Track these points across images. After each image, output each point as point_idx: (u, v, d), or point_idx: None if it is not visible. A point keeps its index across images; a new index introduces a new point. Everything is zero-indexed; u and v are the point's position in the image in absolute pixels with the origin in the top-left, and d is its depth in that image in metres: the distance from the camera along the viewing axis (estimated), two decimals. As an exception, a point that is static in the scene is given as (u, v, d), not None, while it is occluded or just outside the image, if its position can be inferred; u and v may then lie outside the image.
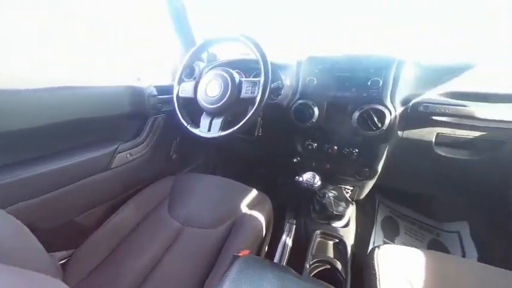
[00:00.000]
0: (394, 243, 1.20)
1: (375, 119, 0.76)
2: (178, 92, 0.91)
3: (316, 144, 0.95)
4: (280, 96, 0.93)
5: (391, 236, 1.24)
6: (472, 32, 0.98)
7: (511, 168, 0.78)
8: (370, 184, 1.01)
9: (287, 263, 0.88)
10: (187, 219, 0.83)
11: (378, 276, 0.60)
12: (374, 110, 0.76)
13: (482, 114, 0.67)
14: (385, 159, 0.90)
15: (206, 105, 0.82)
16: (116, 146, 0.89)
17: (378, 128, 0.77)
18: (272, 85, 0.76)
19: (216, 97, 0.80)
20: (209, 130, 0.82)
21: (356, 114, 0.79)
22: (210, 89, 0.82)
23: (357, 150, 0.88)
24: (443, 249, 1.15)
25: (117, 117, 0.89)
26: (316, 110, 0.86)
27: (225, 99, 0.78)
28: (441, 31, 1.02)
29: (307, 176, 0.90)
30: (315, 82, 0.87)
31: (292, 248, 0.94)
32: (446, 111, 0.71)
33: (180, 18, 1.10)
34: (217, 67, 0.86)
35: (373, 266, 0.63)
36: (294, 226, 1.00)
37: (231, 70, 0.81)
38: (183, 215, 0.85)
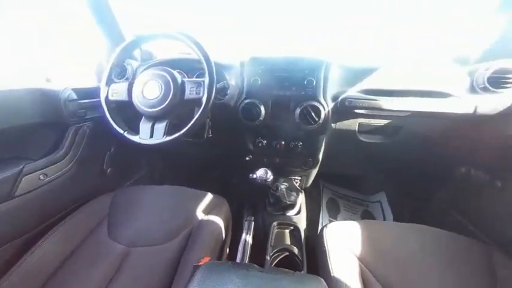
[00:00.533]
0: (337, 219, 1.39)
1: (313, 114, 0.86)
2: (107, 94, 0.79)
3: (265, 141, 0.99)
4: (227, 96, 0.93)
5: (334, 214, 1.43)
6: (378, 40, 1.22)
7: (407, 148, 1.02)
8: (314, 172, 1.13)
9: (249, 260, 0.90)
10: (134, 240, 0.73)
11: (327, 252, 0.68)
12: (311, 107, 0.86)
13: (387, 106, 0.85)
14: (324, 149, 1.02)
15: (145, 108, 0.74)
16: (21, 167, 0.70)
17: (315, 122, 0.87)
18: (218, 85, 0.75)
19: (157, 99, 0.73)
20: (151, 136, 0.74)
21: (297, 110, 0.88)
22: (149, 91, 0.74)
23: (301, 143, 0.97)
24: (371, 216, 1.41)
25: (21, 129, 0.70)
26: (262, 109, 0.90)
27: (168, 101, 0.72)
28: (357, 39, 1.24)
29: (260, 173, 0.93)
30: (259, 82, 0.91)
31: (253, 244, 0.97)
32: (363, 104, 0.86)
33: (102, 9, 0.95)
34: (155, 66, 0.79)
35: (323, 243, 0.72)
36: (253, 223, 1.03)
37: (171, 70, 0.75)
38: (127, 236, 0.74)
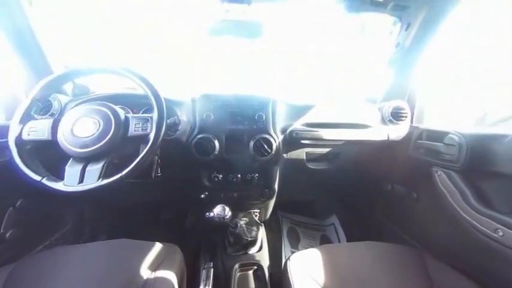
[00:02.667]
0: (298, 249, 1.38)
1: (265, 146, 0.91)
2: (21, 133, 0.64)
3: (221, 176, 0.97)
4: (178, 132, 0.89)
5: (295, 244, 1.42)
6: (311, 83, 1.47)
7: (346, 171, 1.17)
8: (272, 203, 1.14)
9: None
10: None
11: (292, 285, 0.66)
12: (263, 139, 0.92)
13: (326, 136, 0.99)
14: (279, 179, 1.06)
15: (74, 148, 0.63)
16: None
17: (268, 153, 0.92)
18: (168, 121, 0.71)
19: (91, 137, 0.63)
20: (81, 181, 0.62)
21: (251, 143, 0.91)
22: (81, 128, 0.64)
23: (257, 174, 0.99)
24: (328, 240, 1.47)
25: None
26: (216, 143, 0.90)
27: (107, 139, 0.63)
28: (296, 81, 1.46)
29: (217, 210, 0.87)
30: (212, 117, 0.92)
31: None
32: (308, 136, 0.98)
33: (24, 36, 0.83)
34: (92, 102, 0.70)
35: (288, 278, 0.69)
36: (212, 270, 0.91)
37: (112, 105, 0.69)
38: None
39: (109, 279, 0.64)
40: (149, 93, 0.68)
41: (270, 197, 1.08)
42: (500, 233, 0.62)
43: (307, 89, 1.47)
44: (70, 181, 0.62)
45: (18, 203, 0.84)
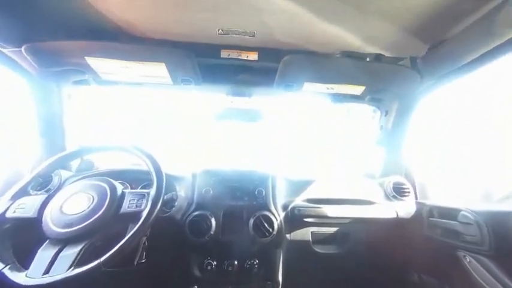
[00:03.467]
0: None
1: (266, 224, 0.84)
2: (6, 210, 0.60)
3: (215, 263, 0.83)
4: (173, 209, 0.84)
5: None
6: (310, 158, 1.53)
7: (360, 257, 1.02)
8: (276, 303, 0.92)
9: None
10: None
11: None
12: (264, 216, 0.85)
13: (330, 213, 0.92)
14: (282, 268, 0.91)
15: (56, 228, 0.57)
16: None
17: (270, 233, 0.83)
18: (165, 196, 0.69)
19: (80, 215, 0.59)
20: (47, 271, 0.52)
21: (251, 221, 0.84)
22: (72, 205, 0.61)
23: (257, 261, 0.85)
24: None
25: None
26: (213, 221, 0.83)
27: (96, 216, 0.59)
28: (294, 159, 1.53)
29: (207, 313, 0.69)
30: (212, 192, 0.90)
31: None
32: (311, 213, 0.92)
33: (55, 122, 0.94)
34: (92, 177, 0.71)
35: None
36: None
37: (111, 180, 0.69)
38: None
39: None
40: (151, 169, 0.69)
41: (273, 294, 0.88)
42: None
43: (305, 164, 1.52)
44: (35, 271, 0.52)
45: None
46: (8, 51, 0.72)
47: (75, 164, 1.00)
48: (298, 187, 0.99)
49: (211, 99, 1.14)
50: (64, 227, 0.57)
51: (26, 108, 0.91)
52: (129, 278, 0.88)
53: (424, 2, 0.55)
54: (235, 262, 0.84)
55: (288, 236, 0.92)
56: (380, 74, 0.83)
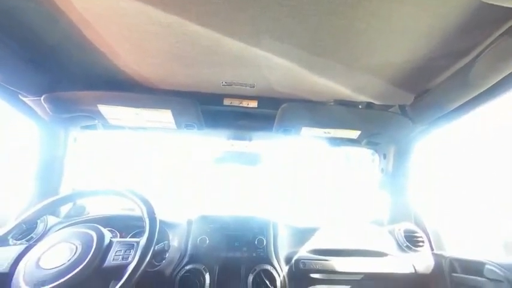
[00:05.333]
0: None
1: (267, 282, 0.74)
2: (-24, 264, 0.54)
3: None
4: (164, 261, 0.75)
5: None
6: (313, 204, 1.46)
7: None
8: None
9: None
10: None
11: None
12: (264, 272, 0.76)
13: (339, 267, 0.82)
14: None
15: (26, 287, 0.50)
16: None
17: (272, 293, 0.72)
18: (156, 247, 0.63)
19: (58, 269, 0.52)
20: None
21: (250, 278, 0.74)
22: (50, 257, 0.55)
23: (257, 331, 0.71)
24: None
25: None
26: (207, 277, 0.73)
27: (76, 271, 0.52)
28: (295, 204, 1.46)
29: None
30: (207, 242, 0.82)
31: None
32: (317, 266, 0.82)
33: (54, 167, 0.93)
34: (80, 224, 0.66)
35: None
36: None
37: (100, 227, 0.64)
38: None
39: None
40: (145, 214, 0.65)
41: None
42: None
43: (308, 211, 1.44)
44: None
45: None
46: (28, 100, 0.78)
47: (64, 209, 0.95)
48: (302, 236, 0.91)
49: (212, 144, 1.17)
50: (36, 285, 0.50)
51: (25, 151, 0.92)
52: None
53: (405, 57, 0.62)
54: (232, 333, 0.70)
55: (293, 296, 0.80)
56: (373, 120, 0.87)
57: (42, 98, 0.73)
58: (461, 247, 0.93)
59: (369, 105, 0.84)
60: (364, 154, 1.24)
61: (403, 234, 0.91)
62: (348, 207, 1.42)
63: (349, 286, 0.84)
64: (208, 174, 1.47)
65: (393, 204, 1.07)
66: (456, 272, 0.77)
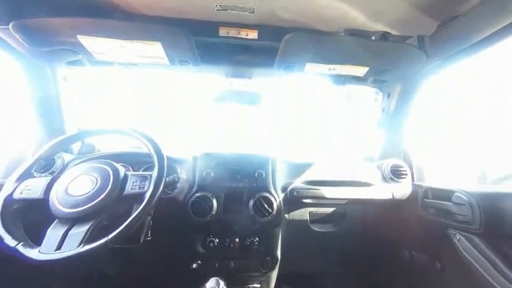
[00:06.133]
0: None
1: (266, 205, 0.87)
2: (13, 192, 0.62)
3: (217, 240, 0.88)
4: (175, 190, 0.86)
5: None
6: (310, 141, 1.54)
7: (354, 235, 1.07)
8: (274, 275, 0.98)
9: None
10: None
11: None
12: (263, 198, 0.88)
13: (328, 194, 0.95)
14: (281, 245, 0.96)
15: (64, 209, 0.59)
16: None
17: (269, 213, 0.86)
18: (167, 178, 0.70)
19: (85, 196, 0.61)
20: (59, 247, 0.55)
21: (251, 202, 0.87)
22: (76, 187, 0.63)
23: (257, 238, 0.90)
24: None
25: None
26: (215, 202, 0.86)
27: (101, 197, 0.61)
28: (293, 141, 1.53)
29: (210, 285, 0.74)
30: (212, 175, 0.91)
31: None
32: (309, 194, 0.95)
33: (51, 105, 0.92)
34: (94, 160, 0.72)
35: None
36: None
37: (113, 163, 0.70)
38: None
39: None
40: (152, 152, 0.70)
41: (272, 268, 0.94)
42: None
43: (305, 147, 1.53)
44: (47, 247, 0.55)
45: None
46: (-4, 29, 0.69)
47: (76, 146, 1.01)
48: (298, 170, 1.01)
49: (210, 83, 1.11)
50: (71, 207, 0.59)
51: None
52: (136, 254, 0.94)
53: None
54: (237, 240, 0.88)
55: (286, 216, 0.96)
56: (384, 54, 0.79)
57: (10, 26, 0.65)
58: (440, 180, 1.05)
59: (383, 36, 0.75)
60: (366, 92, 1.20)
61: (389, 169, 1.00)
62: (344, 145, 1.50)
63: (334, 208, 0.99)
64: (209, 113, 1.48)
65: (387, 142, 1.13)
66: (428, 198, 0.90)
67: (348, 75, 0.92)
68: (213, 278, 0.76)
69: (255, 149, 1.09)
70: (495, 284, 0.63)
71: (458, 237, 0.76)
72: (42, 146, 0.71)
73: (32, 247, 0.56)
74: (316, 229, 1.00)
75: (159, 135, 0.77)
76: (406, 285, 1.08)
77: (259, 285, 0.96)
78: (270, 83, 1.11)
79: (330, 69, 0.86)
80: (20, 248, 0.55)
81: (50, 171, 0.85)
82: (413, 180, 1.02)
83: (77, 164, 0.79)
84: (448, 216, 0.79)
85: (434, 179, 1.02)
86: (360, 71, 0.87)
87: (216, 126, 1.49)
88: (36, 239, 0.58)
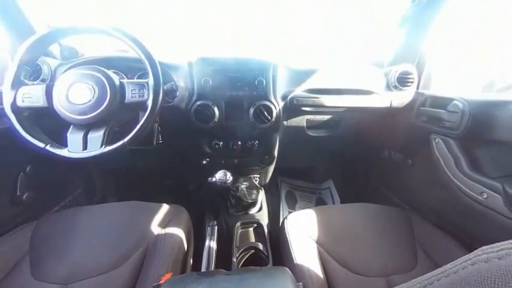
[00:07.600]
0: (295, 210, 1.49)
1: (265, 113, 0.90)
2: (15, 100, 0.62)
3: (222, 143, 0.98)
4: (176, 99, 0.87)
5: (292, 205, 1.53)
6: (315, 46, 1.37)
7: (346, 139, 1.18)
8: (271, 169, 1.19)
9: (216, 266, 0.87)
10: (69, 274, 0.61)
11: (289, 241, 0.73)
12: (264, 106, 0.90)
13: (327, 103, 0.96)
14: (278, 146, 1.08)
15: (73, 116, 0.62)
16: None
17: (269, 120, 0.91)
18: (165, 87, 0.69)
19: (88, 104, 0.62)
20: (85, 148, 0.63)
21: (251, 110, 0.90)
22: (76, 95, 0.62)
23: (257, 142, 1.00)
24: (323, 202, 1.58)
25: None
26: (216, 110, 0.89)
27: (104, 106, 0.62)
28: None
29: (219, 175, 0.91)
30: (211, 82, 0.88)
31: (218, 249, 0.94)
32: (308, 102, 0.95)
33: None
34: (82, 66, 0.67)
35: (285, 234, 0.76)
36: (216, 227, 1.00)
37: (104, 69, 0.65)
38: (59, 272, 0.61)
39: (123, 235, 0.71)
40: (142, 57, 0.64)
41: (270, 163, 1.12)
42: (485, 196, 0.66)
43: (309, 52, 1.37)
44: (74, 148, 0.63)
45: (28, 168, 0.87)
46: None
47: (56, 50, 0.91)
48: (300, 77, 0.96)
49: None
50: (80, 114, 0.62)
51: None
52: (152, 155, 1.08)
53: None
54: (239, 142, 0.99)
55: (285, 122, 1.02)
56: None
57: None
58: (446, 87, 1.02)
59: None
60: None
61: (396, 76, 0.95)
62: (353, 48, 1.34)
63: (331, 116, 1.04)
64: (201, 9, 1.21)
65: (405, 43, 0.99)
66: (424, 107, 0.91)
67: None
68: (221, 171, 0.93)
69: (255, 54, 0.99)
70: (452, 178, 0.76)
71: (437, 140, 0.84)
72: (16, 49, 0.63)
73: (60, 147, 0.63)
74: (311, 134, 1.09)
75: (144, 34, 0.67)
76: (380, 177, 1.32)
77: (258, 176, 1.19)
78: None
79: None
80: (50, 148, 0.63)
81: (40, 78, 0.81)
82: (417, 89, 1.00)
83: (66, 71, 0.75)
84: (436, 122, 0.84)
85: (440, 88, 0.99)
86: None
87: (210, 25, 1.26)
88: (58, 143, 0.65)
